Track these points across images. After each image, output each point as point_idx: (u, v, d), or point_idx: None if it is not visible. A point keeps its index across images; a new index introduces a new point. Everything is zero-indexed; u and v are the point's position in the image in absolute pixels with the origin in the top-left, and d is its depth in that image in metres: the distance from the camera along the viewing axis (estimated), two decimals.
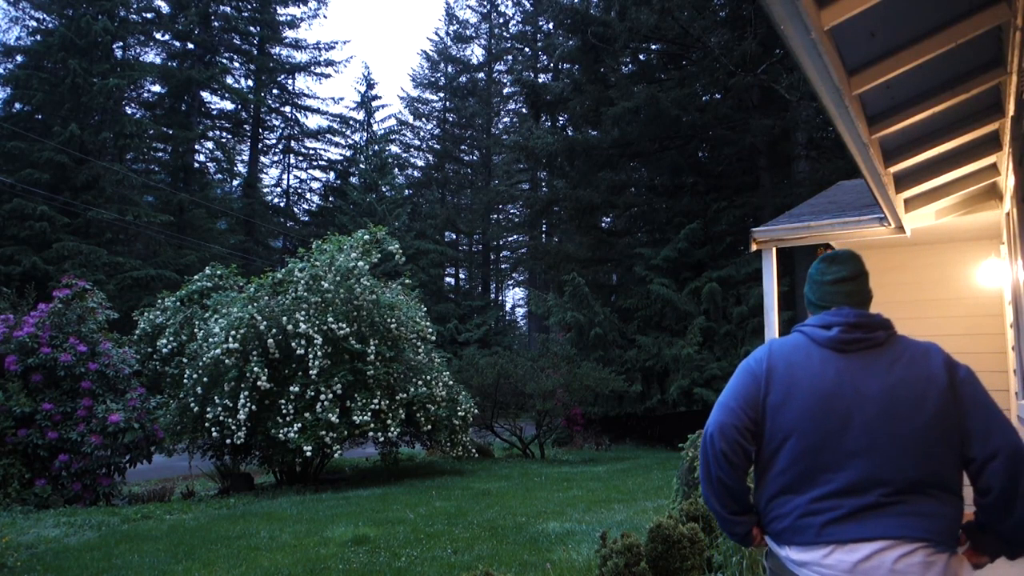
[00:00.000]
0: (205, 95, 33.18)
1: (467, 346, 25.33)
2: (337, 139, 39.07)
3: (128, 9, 27.29)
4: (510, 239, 40.42)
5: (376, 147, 37.49)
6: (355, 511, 7.18)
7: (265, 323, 8.97)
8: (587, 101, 18.61)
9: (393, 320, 9.80)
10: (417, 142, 42.98)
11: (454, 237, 40.90)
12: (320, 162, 39.15)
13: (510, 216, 39.37)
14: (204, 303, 10.55)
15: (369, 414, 9.06)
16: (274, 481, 10.32)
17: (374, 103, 40.24)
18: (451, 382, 10.90)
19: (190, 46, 32.22)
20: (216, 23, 33.05)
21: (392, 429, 9.35)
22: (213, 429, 8.81)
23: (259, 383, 8.68)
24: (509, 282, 42.38)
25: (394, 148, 40.77)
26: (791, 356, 1.74)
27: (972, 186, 4.67)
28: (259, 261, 28.91)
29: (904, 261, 6.16)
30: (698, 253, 16.85)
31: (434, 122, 42.71)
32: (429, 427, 10.06)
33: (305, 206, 39.63)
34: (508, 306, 44.69)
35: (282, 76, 36.24)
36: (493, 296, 40.86)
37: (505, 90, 39.42)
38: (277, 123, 37.60)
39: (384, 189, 35.39)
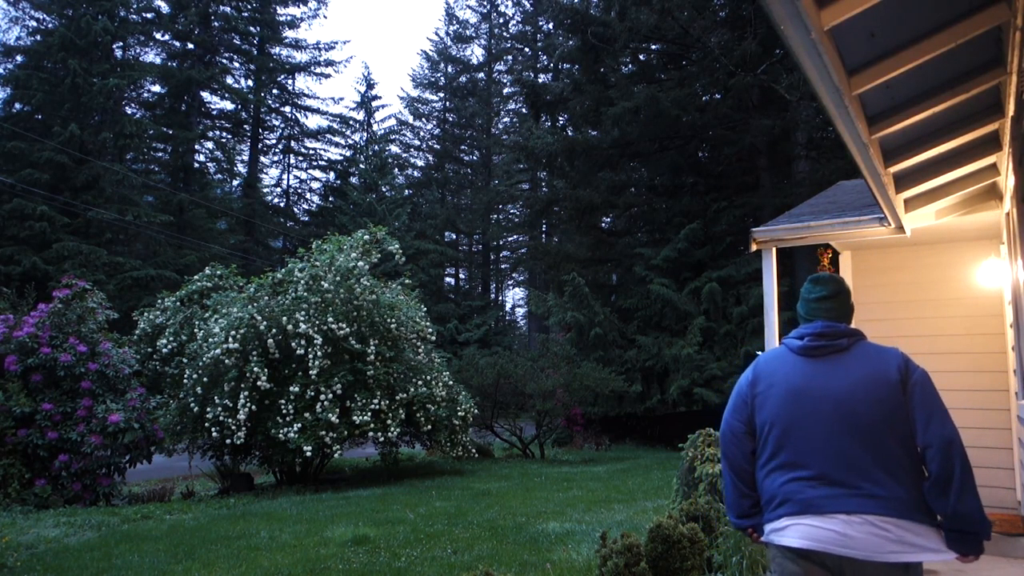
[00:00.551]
0: (205, 95, 33.19)
1: (467, 346, 25.33)
2: (337, 139, 39.11)
3: (128, 9, 27.29)
4: (510, 239, 40.42)
5: (376, 147, 37.49)
6: (355, 511, 7.18)
7: (265, 323, 8.97)
8: (587, 101, 18.60)
9: (393, 320, 9.80)
10: (417, 142, 43.03)
11: (454, 237, 40.91)
12: (320, 162, 39.18)
13: (510, 216, 39.36)
14: (204, 303, 10.55)
15: (369, 414, 9.06)
16: (274, 481, 10.32)
17: (374, 103, 40.27)
18: (451, 382, 10.89)
19: (190, 46, 32.23)
20: (216, 23, 33.05)
21: (392, 429, 9.35)
22: (213, 429, 8.81)
23: (259, 383, 8.68)
24: (509, 282, 42.39)
25: (394, 148, 40.81)
26: (772, 363, 2.18)
27: (972, 186, 4.67)
28: (259, 261, 28.91)
29: (904, 261, 6.16)
30: (698, 253, 16.85)
31: (434, 122, 42.73)
32: (429, 427, 10.06)
33: (305, 206, 39.65)
34: (508, 306, 44.72)
35: (282, 76, 36.24)
36: (493, 296, 40.87)
37: (505, 90, 39.43)
38: (277, 123, 37.63)
39: (384, 189, 35.40)
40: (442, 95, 42.21)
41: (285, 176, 39.44)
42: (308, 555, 5.32)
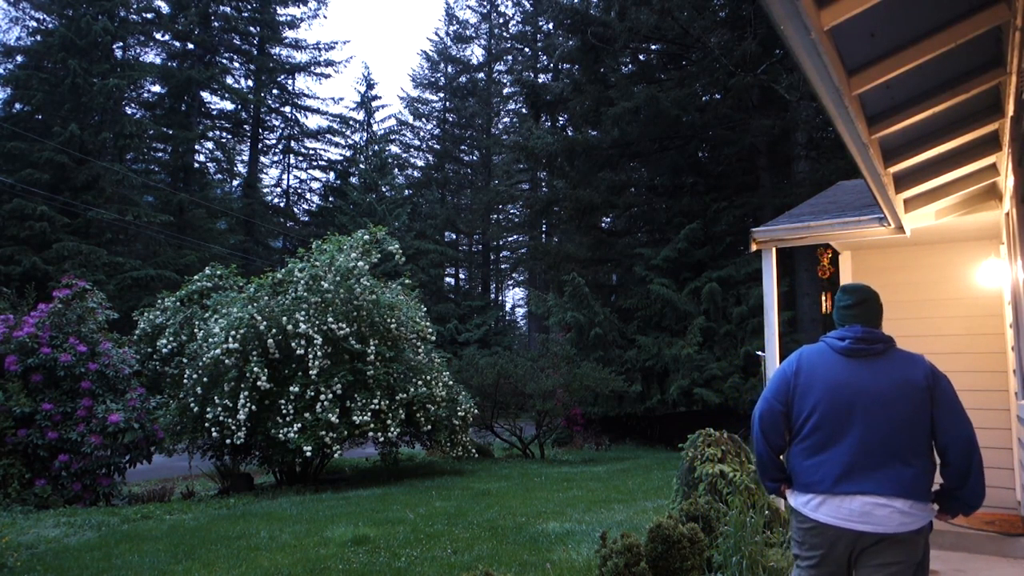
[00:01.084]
0: (205, 95, 33.18)
1: (467, 346, 25.32)
2: (337, 139, 39.11)
3: (128, 9, 27.29)
4: (510, 239, 40.42)
5: (376, 147, 37.50)
6: (355, 511, 7.18)
7: (265, 323, 8.97)
8: (587, 101, 18.60)
9: (393, 320, 9.79)
10: (417, 142, 43.03)
11: (454, 237, 40.91)
12: (320, 162, 39.18)
13: (510, 216, 39.36)
14: (204, 303, 10.54)
15: (369, 414, 9.06)
16: (274, 481, 10.31)
17: (374, 103, 40.27)
18: (451, 382, 10.89)
19: (190, 46, 32.23)
20: (216, 23, 33.05)
21: (392, 429, 9.35)
22: (213, 429, 8.81)
23: (259, 383, 8.68)
24: (509, 282, 42.38)
25: (394, 148, 40.81)
26: (815, 358, 2.48)
27: (972, 186, 4.67)
28: (259, 261, 28.92)
29: (904, 261, 6.16)
30: (698, 253, 16.85)
31: (434, 122, 42.73)
32: (429, 427, 10.05)
33: (305, 206, 39.65)
34: (508, 306, 44.71)
35: (282, 76, 36.24)
36: (493, 296, 40.86)
37: (505, 90, 39.42)
38: (277, 123, 37.63)
39: (384, 189, 35.40)
40: (442, 95, 42.22)
41: (285, 176, 39.47)
42: (308, 555, 5.32)
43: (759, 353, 5.86)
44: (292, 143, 38.33)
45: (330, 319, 9.06)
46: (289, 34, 36.12)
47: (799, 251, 14.94)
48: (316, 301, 9.26)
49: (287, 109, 37.41)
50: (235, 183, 36.12)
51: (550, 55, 28.90)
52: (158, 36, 31.10)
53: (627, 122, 17.67)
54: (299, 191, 39.86)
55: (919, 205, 4.80)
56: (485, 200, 36.33)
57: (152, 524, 6.82)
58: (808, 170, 16.00)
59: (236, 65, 34.70)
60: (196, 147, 32.37)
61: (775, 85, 15.17)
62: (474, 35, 41.39)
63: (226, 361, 8.73)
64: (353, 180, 35.85)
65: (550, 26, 28.29)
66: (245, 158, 36.13)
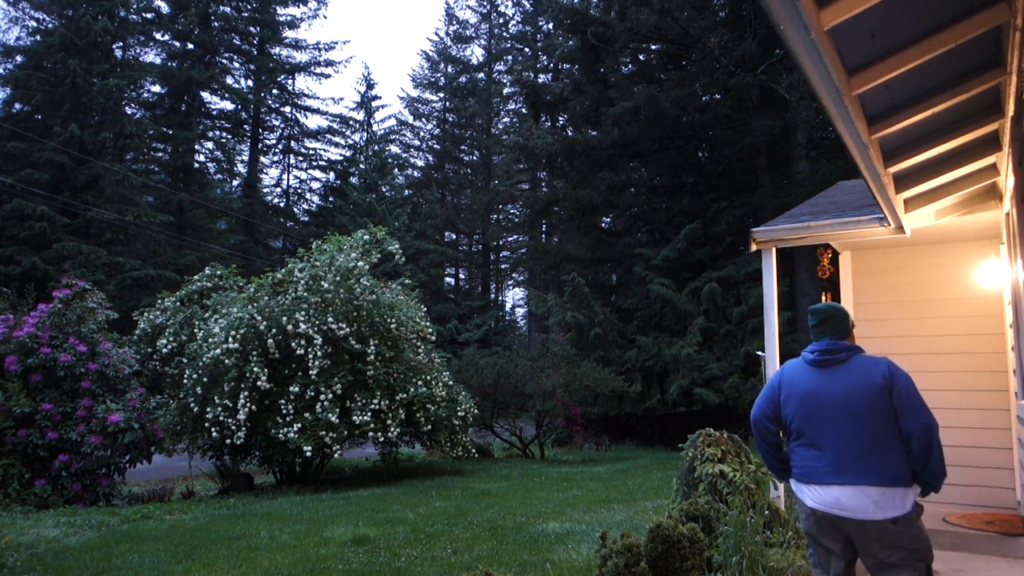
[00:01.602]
0: (205, 95, 33.19)
1: (467, 346, 25.32)
2: (337, 139, 39.11)
3: (128, 9, 27.28)
4: (510, 239, 40.42)
5: (376, 147, 37.48)
6: (355, 511, 7.18)
7: (265, 323, 8.97)
8: (587, 101, 18.60)
9: (393, 320, 9.79)
10: (417, 142, 43.03)
11: (454, 237, 40.91)
12: (320, 162, 39.18)
13: (510, 216, 39.36)
14: (204, 303, 10.54)
15: (369, 414, 9.06)
16: (274, 481, 10.31)
17: (374, 103, 40.27)
18: (451, 382, 10.88)
19: (190, 46, 32.23)
20: (216, 23, 33.05)
21: (392, 429, 9.35)
22: (213, 429, 8.80)
23: (259, 383, 8.68)
24: (509, 282, 42.37)
25: (394, 148, 40.81)
26: (793, 371, 2.93)
27: (972, 186, 4.67)
28: (259, 261, 28.90)
29: (904, 261, 6.15)
30: (698, 253, 16.85)
31: (434, 122, 42.73)
32: (429, 427, 10.05)
33: (305, 206, 39.65)
34: (508, 306, 44.72)
35: (282, 76, 36.24)
36: (493, 296, 40.86)
37: (505, 90, 39.42)
38: (277, 123, 37.64)
39: (384, 189, 35.40)
40: (442, 95, 42.22)
41: (285, 176, 39.47)
42: (308, 555, 5.32)
43: (759, 353, 5.86)
44: (292, 143, 38.34)
45: (330, 319, 9.06)
46: (289, 34, 36.17)
47: (799, 251, 14.94)
48: (316, 301, 9.26)
49: (287, 109, 37.43)
50: (235, 183, 36.13)
51: (550, 55, 28.89)
52: (158, 36, 31.11)
53: (627, 122, 17.67)
54: (299, 191, 39.88)
55: (919, 205, 4.79)
56: (485, 200, 36.33)
57: (152, 524, 6.82)
58: (808, 170, 16.00)
59: (236, 65, 34.71)
60: (196, 147, 32.38)
61: (775, 85, 15.18)
62: (474, 35, 41.40)
63: (226, 361, 8.73)
64: (353, 180, 35.86)
65: (550, 26, 28.30)
66: (245, 158, 36.15)
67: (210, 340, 8.95)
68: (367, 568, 4.92)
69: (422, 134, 42.97)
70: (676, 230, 17.22)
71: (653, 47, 19.72)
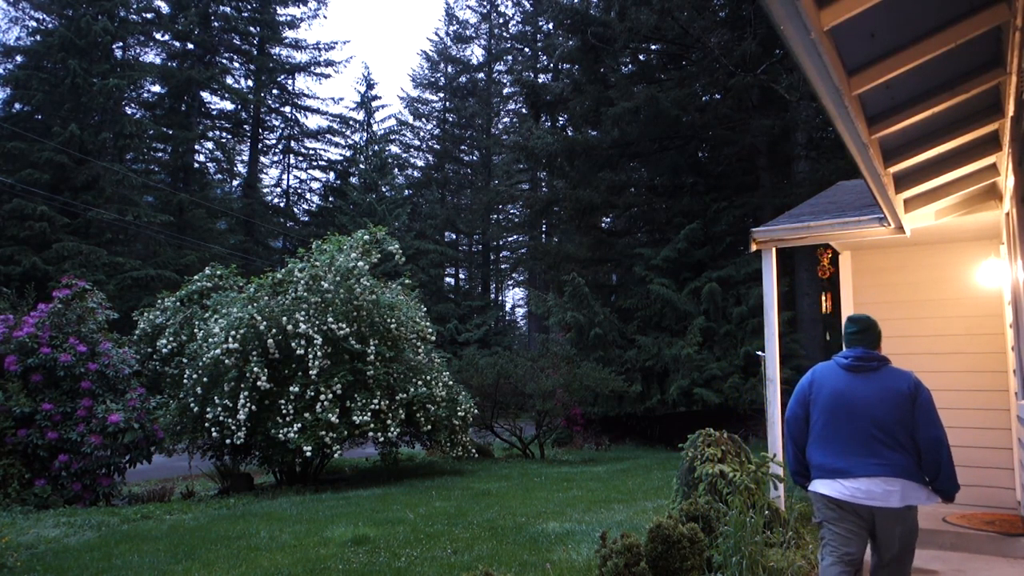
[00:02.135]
0: (205, 95, 33.19)
1: (467, 346, 25.31)
2: (337, 139, 39.12)
3: (128, 9, 27.29)
4: (510, 239, 40.41)
5: (376, 147, 37.49)
6: (355, 511, 7.17)
7: (265, 323, 8.97)
8: (587, 101, 18.59)
9: (393, 320, 9.79)
10: (417, 142, 43.03)
11: (454, 237, 40.91)
12: (320, 162, 39.18)
13: (510, 216, 39.36)
14: (204, 303, 10.53)
15: (369, 414, 9.05)
16: (274, 481, 10.31)
17: (374, 103, 40.28)
18: (451, 382, 10.87)
19: (190, 46, 32.23)
20: (216, 23, 33.05)
21: (392, 429, 9.34)
22: (213, 429, 8.80)
23: (259, 383, 8.67)
24: (509, 282, 42.37)
25: (394, 148, 40.81)
26: (824, 373, 3.24)
27: (972, 186, 4.67)
28: (259, 261, 28.91)
29: (904, 261, 6.15)
30: (698, 253, 16.84)
31: (434, 122, 42.73)
32: (429, 427, 10.05)
33: (305, 206, 39.65)
34: (508, 306, 44.72)
35: (282, 76, 36.24)
36: (493, 296, 40.86)
37: (505, 90, 39.43)
38: (277, 123, 37.64)
39: (384, 189, 35.40)
40: (442, 95, 42.22)
41: (285, 176, 39.47)
42: (308, 555, 5.32)
43: (759, 353, 5.85)
44: (292, 143, 38.34)
45: (330, 319, 9.06)
46: (289, 34, 36.16)
47: (799, 251, 14.93)
48: (316, 301, 9.26)
49: (287, 109, 37.43)
50: (235, 183, 36.13)
51: (550, 55, 28.90)
52: (158, 36, 31.11)
53: (627, 122, 17.66)
54: (299, 191, 39.88)
55: (919, 205, 4.80)
56: (485, 200, 36.33)
57: (152, 524, 6.82)
58: (808, 170, 16.00)
59: (236, 65, 34.71)
60: (196, 147, 32.38)
61: (775, 85, 15.17)
62: (474, 35, 41.40)
63: (226, 361, 8.73)
64: (353, 180, 35.86)
65: (550, 26, 28.29)
66: (245, 158, 36.15)
67: (210, 340, 8.95)
68: (367, 568, 4.92)
69: (422, 134, 43.00)
70: (676, 230, 17.22)
71: (653, 47, 19.71)
